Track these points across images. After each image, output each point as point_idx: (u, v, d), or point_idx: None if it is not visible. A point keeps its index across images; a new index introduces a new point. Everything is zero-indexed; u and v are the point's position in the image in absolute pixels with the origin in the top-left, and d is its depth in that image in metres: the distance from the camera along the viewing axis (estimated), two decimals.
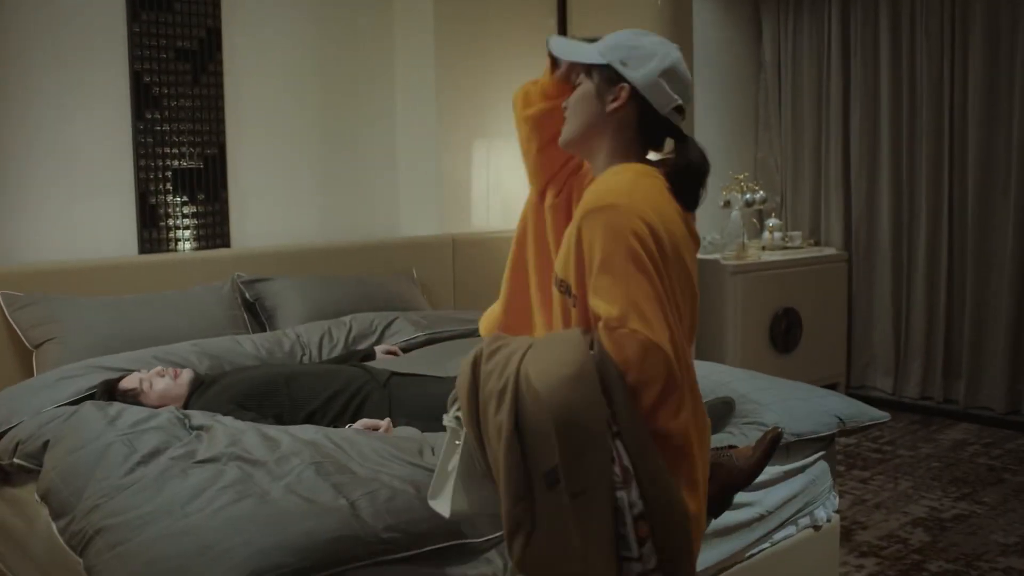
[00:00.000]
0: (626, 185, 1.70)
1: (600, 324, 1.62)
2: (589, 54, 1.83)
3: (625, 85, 1.78)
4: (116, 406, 2.73)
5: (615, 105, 1.78)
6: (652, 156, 1.88)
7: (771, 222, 5.81)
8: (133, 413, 2.65)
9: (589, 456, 1.57)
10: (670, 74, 1.79)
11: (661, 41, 1.83)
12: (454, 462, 1.80)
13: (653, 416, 1.62)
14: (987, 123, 5.24)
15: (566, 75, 1.89)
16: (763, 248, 5.67)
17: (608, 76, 1.80)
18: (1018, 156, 5.10)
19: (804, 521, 2.87)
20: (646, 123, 1.80)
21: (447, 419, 1.84)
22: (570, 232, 1.72)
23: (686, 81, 1.82)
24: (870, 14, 5.68)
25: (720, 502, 2.15)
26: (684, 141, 1.83)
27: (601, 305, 1.61)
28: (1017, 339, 5.16)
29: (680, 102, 1.80)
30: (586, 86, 1.83)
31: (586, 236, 1.66)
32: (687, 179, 1.79)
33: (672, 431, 1.64)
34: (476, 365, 1.73)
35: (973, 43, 5.23)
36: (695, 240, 1.80)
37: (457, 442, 1.80)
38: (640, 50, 1.80)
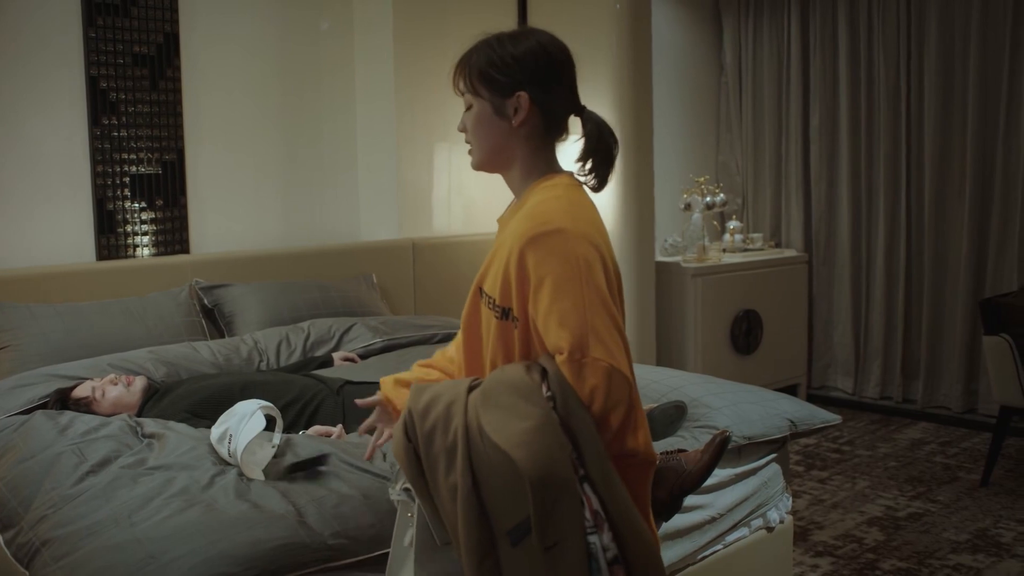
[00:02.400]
0: (565, 206, 1.66)
1: (562, 356, 1.57)
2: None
3: (522, 93, 1.72)
4: (67, 415, 2.72)
5: (521, 117, 1.73)
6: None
7: (732, 224, 5.86)
8: (84, 422, 2.64)
9: (561, 507, 1.50)
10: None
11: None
12: (410, 536, 1.72)
13: (620, 440, 1.60)
14: (942, 125, 5.32)
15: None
16: (724, 250, 5.72)
17: (499, 87, 1.74)
18: (972, 158, 5.18)
19: (757, 523, 2.90)
20: (551, 119, 1.76)
21: (393, 493, 1.76)
22: (508, 256, 1.65)
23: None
24: (828, 17, 5.75)
25: (670, 505, 2.17)
26: (585, 114, 1.78)
27: (562, 335, 1.57)
28: (973, 339, 5.23)
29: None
30: (480, 106, 1.76)
31: (532, 261, 1.60)
32: (601, 155, 1.76)
33: (637, 450, 1.62)
34: (409, 427, 1.63)
35: (928, 46, 5.31)
36: None
37: (409, 514, 1.72)
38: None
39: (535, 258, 1.60)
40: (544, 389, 1.56)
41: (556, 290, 1.58)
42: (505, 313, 1.66)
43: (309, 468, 2.24)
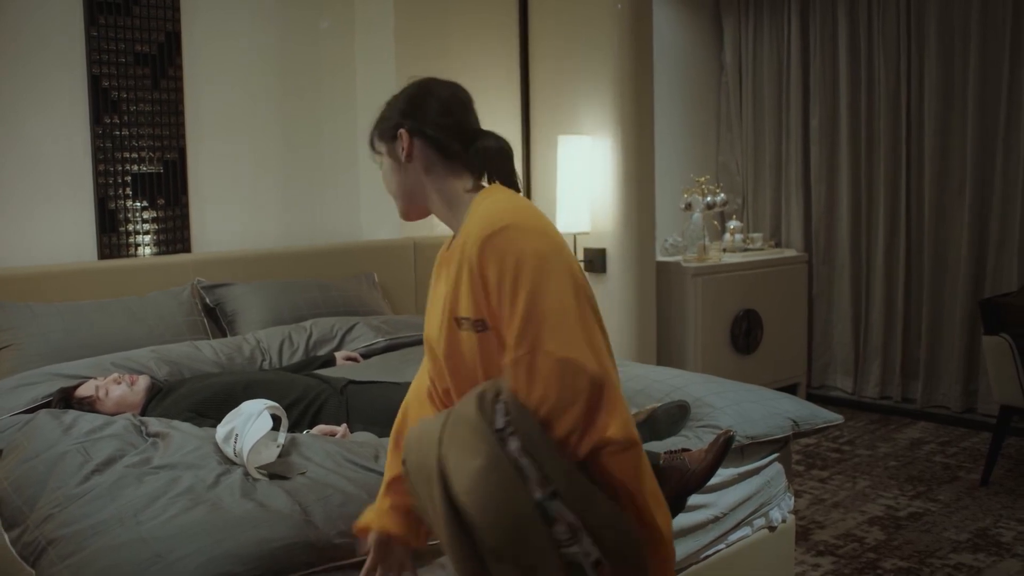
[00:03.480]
0: (508, 206, 1.70)
1: (510, 355, 1.60)
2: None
3: (400, 130, 1.82)
4: (71, 414, 2.72)
5: (406, 151, 1.81)
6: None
7: (732, 224, 5.86)
8: (88, 421, 2.64)
9: (525, 536, 1.54)
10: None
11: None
12: None
13: (589, 433, 1.59)
14: (942, 125, 5.33)
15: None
16: (724, 250, 5.72)
17: (387, 135, 1.85)
18: (972, 157, 5.19)
19: (759, 522, 2.91)
20: (442, 146, 1.82)
21: None
22: (462, 266, 1.69)
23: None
24: (828, 17, 5.75)
25: (674, 505, 2.18)
26: (480, 135, 1.85)
27: (513, 330, 1.60)
28: (972, 339, 5.24)
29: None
30: (383, 160, 1.87)
31: (487, 261, 1.63)
32: (503, 163, 1.83)
33: (614, 438, 1.59)
34: (404, 455, 1.75)
35: (928, 47, 5.31)
36: None
37: None
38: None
39: (489, 257, 1.63)
40: (503, 414, 1.59)
41: (512, 285, 1.61)
42: (483, 324, 1.68)
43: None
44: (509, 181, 1.83)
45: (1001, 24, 5.06)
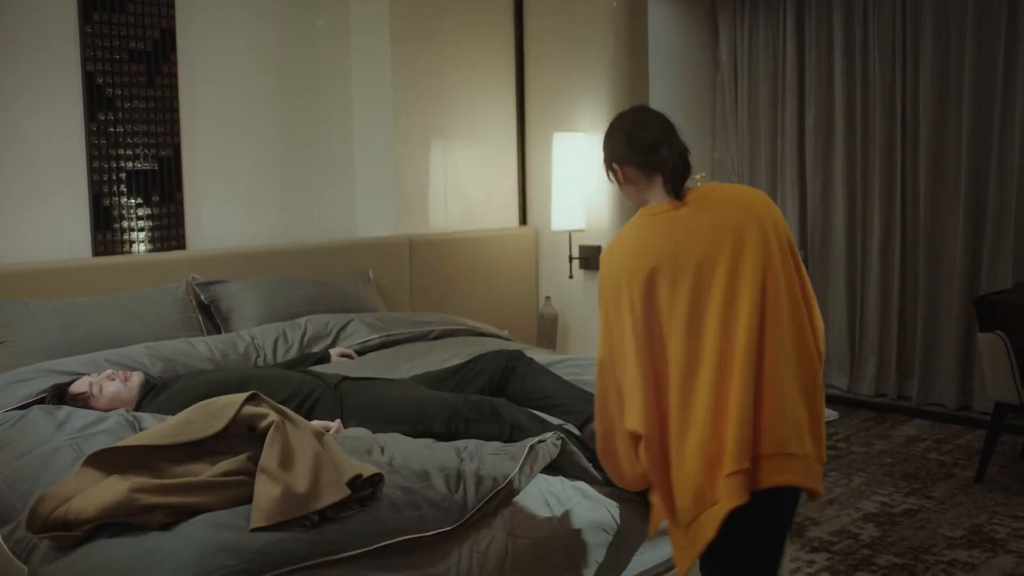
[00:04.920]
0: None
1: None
2: None
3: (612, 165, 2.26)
4: (65, 410, 2.72)
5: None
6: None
7: None
8: (82, 417, 2.64)
9: None
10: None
11: None
12: None
13: None
14: (937, 123, 5.33)
15: None
16: None
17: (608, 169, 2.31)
18: (967, 155, 5.19)
19: None
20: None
21: None
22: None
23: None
24: (824, 14, 5.75)
25: None
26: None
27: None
28: (967, 337, 5.24)
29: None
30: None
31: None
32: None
33: None
34: None
35: (923, 44, 5.31)
36: None
37: None
38: None
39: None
40: None
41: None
42: None
43: None
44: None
45: (996, 22, 5.06)
